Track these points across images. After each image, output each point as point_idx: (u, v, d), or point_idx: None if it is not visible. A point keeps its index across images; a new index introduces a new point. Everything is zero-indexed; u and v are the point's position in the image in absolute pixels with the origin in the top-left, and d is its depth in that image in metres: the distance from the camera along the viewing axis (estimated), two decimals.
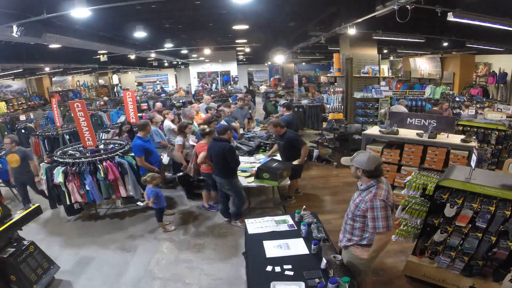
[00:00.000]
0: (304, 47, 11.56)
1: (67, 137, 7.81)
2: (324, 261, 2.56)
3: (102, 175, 4.73)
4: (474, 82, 13.32)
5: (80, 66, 14.70)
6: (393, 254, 3.87)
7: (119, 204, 5.26)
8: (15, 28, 4.98)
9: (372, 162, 2.46)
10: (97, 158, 4.87)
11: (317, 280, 2.41)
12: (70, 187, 4.70)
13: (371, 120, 8.21)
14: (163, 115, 6.87)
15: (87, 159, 4.85)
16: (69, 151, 5.43)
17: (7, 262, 3.25)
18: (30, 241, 3.62)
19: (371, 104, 8.34)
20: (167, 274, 3.80)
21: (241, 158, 5.62)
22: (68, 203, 4.82)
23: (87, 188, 4.74)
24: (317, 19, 8.40)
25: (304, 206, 3.66)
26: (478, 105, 8.87)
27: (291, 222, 3.35)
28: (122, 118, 9.62)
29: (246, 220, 3.46)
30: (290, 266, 2.60)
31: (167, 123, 6.58)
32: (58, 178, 4.65)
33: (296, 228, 3.23)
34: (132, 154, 5.32)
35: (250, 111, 8.19)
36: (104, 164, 4.80)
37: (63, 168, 4.72)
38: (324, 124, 8.19)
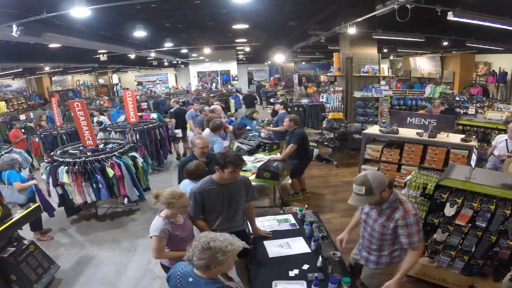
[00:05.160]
0: (304, 46, 11.55)
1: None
2: (320, 258, 2.56)
3: (111, 173, 4.75)
4: (474, 82, 13.31)
5: (80, 65, 14.67)
6: None
7: (126, 202, 5.29)
8: (14, 28, 4.97)
9: (382, 175, 2.27)
10: (103, 156, 4.90)
11: (315, 275, 2.42)
12: (75, 187, 4.70)
13: (371, 119, 8.22)
14: None
15: (95, 158, 4.87)
16: (69, 151, 5.43)
17: (8, 262, 3.25)
18: (31, 241, 3.62)
19: (371, 104, 8.34)
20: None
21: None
22: (75, 202, 4.79)
23: (99, 186, 4.75)
24: (317, 18, 8.40)
25: (306, 206, 3.67)
26: (478, 105, 8.88)
27: (293, 221, 3.35)
28: (122, 118, 9.63)
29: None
30: (292, 265, 2.60)
31: None
32: (63, 178, 4.65)
33: (298, 227, 3.23)
34: (131, 154, 5.33)
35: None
36: (110, 162, 4.84)
37: (66, 167, 4.71)
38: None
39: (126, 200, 5.21)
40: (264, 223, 3.31)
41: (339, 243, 2.64)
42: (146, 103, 14.65)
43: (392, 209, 2.25)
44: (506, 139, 5.00)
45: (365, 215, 2.49)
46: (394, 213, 2.23)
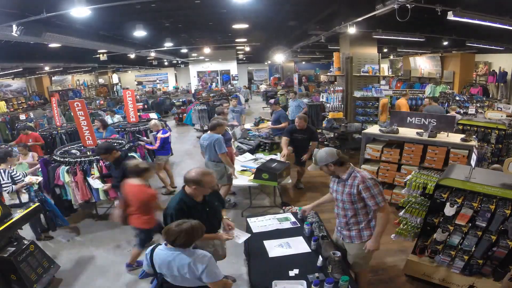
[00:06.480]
0: (304, 46, 11.55)
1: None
2: (320, 258, 2.57)
3: (98, 174, 4.74)
4: (474, 81, 13.30)
5: (80, 65, 14.67)
6: (393, 253, 3.88)
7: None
8: (14, 27, 4.97)
9: (331, 152, 2.64)
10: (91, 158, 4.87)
11: (316, 275, 2.42)
12: (75, 186, 4.69)
13: (371, 119, 8.22)
14: None
15: (87, 158, 4.85)
16: (70, 150, 5.42)
17: (8, 262, 3.25)
18: (31, 241, 3.62)
19: (371, 103, 8.34)
20: None
21: (241, 157, 5.66)
22: (73, 202, 4.80)
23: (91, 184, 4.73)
24: (317, 18, 8.39)
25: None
26: (478, 104, 8.87)
27: (293, 219, 3.36)
28: (115, 118, 9.64)
29: (248, 219, 3.46)
30: (292, 265, 2.60)
31: None
32: (65, 177, 4.64)
33: (299, 225, 3.23)
34: (130, 154, 5.30)
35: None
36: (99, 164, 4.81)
37: (67, 167, 4.71)
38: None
39: (116, 202, 5.19)
40: (265, 223, 3.32)
41: (302, 212, 3.19)
42: (146, 103, 14.65)
43: (352, 178, 2.61)
44: None
45: (335, 193, 2.77)
46: (354, 180, 2.58)
